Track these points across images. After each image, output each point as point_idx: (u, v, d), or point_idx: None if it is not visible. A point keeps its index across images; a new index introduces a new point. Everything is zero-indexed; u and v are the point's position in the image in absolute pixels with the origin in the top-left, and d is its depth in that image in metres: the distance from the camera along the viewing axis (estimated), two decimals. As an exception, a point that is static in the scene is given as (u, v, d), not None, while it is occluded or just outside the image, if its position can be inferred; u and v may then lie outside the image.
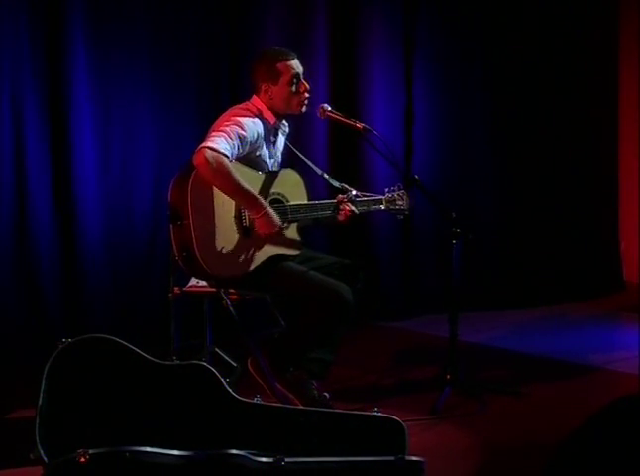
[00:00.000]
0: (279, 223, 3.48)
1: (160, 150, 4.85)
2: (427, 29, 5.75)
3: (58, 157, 4.59)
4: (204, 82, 5.00)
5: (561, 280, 6.14)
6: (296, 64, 3.63)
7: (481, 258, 5.83)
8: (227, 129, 3.42)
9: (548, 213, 6.17)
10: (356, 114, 4.70)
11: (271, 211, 3.46)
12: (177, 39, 4.89)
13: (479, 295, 5.73)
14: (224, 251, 3.40)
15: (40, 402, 2.66)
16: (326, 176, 3.73)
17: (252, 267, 3.46)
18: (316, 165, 3.80)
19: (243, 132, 3.44)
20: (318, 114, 3.78)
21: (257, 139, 3.52)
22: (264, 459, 2.57)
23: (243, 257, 3.44)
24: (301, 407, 3.27)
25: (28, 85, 4.46)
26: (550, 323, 5.51)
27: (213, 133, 3.42)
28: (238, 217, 3.45)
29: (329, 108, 3.77)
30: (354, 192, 3.68)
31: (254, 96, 3.66)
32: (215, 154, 3.32)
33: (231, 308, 3.59)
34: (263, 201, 3.45)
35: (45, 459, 2.59)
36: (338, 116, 3.78)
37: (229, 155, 3.36)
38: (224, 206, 3.42)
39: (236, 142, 3.41)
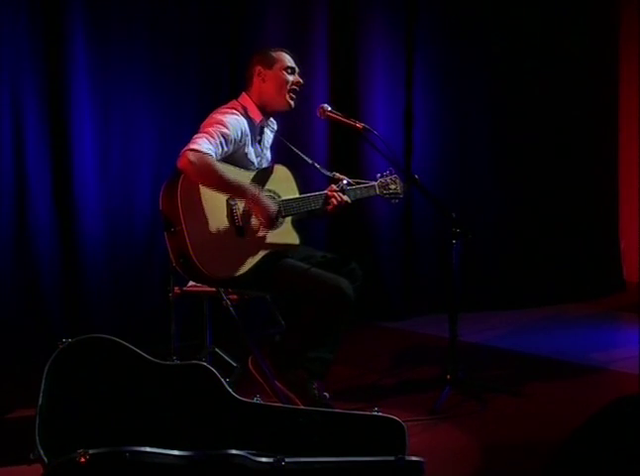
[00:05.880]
0: (272, 206, 3.46)
1: (161, 150, 4.85)
2: (427, 29, 5.76)
3: (59, 157, 4.59)
4: (204, 82, 5.01)
5: (561, 280, 6.15)
6: (292, 59, 3.67)
7: (482, 258, 5.83)
8: (209, 130, 3.41)
9: (548, 213, 6.17)
10: (356, 114, 4.70)
11: (262, 195, 3.44)
12: (178, 39, 4.90)
13: (479, 295, 5.74)
14: (220, 252, 3.38)
15: (40, 402, 2.66)
16: (317, 165, 3.73)
17: (250, 266, 3.44)
18: (314, 163, 3.79)
19: (226, 131, 3.43)
20: (318, 114, 3.78)
21: (241, 137, 3.51)
22: (264, 459, 2.57)
23: (240, 256, 3.43)
24: (301, 407, 3.27)
25: (28, 85, 4.47)
26: (550, 323, 5.52)
27: (195, 136, 3.41)
28: (230, 217, 3.42)
29: (329, 108, 3.76)
30: (345, 181, 3.68)
31: (242, 93, 3.67)
32: (198, 154, 3.31)
33: (231, 308, 3.58)
34: (251, 188, 3.44)
35: (45, 459, 2.58)
36: (338, 116, 3.77)
37: (212, 154, 3.35)
38: (215, 208, 3.40)
39: (219, 141, 3.40)
